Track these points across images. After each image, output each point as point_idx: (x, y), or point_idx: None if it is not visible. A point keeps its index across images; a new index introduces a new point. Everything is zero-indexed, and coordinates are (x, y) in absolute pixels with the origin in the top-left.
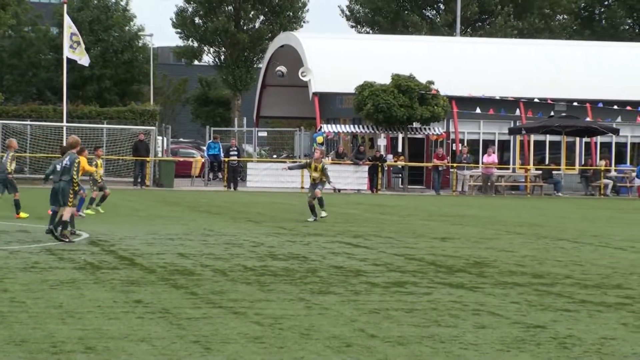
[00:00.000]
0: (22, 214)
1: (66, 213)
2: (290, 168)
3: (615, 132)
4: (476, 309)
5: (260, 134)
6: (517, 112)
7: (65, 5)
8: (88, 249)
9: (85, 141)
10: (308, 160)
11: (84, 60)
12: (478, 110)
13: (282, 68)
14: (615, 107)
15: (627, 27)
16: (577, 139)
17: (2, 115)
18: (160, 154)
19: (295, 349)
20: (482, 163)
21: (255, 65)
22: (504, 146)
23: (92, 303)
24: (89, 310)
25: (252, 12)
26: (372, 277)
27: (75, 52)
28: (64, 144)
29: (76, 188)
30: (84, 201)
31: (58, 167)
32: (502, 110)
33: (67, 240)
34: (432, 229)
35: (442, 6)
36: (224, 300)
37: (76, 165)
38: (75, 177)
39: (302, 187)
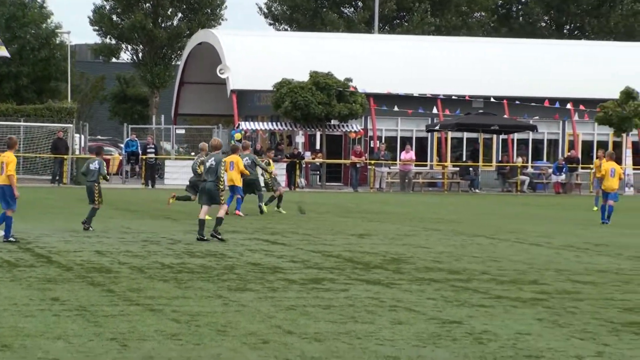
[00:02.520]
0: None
1: (221, 211)
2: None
3: (533, 128)
4: (393, 305)
5: (178, 131)
6: (435, 109)
7: None
8: (4, 247)
9: (1, 139)
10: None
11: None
12: (396, 109)
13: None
14: (533, 103)
15: (544, 24)
16: (494, 135)
17: None
18: (77, 152)
19: (212, 346)
20: (400, 160)
21: (173, 63)
22: (422, 144)
23: (8, 301)
24: (5, 308)
25: (170, 9)
26: (289, 274)
27: None
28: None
29: (221, 187)
30: (241, 201)
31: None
32: (420, 109)
33: (220, 237)
34: (350, 225)
35: (360, 3)
36: (141, 297)
37: (222, 165)
38: (221, 177)
39: None
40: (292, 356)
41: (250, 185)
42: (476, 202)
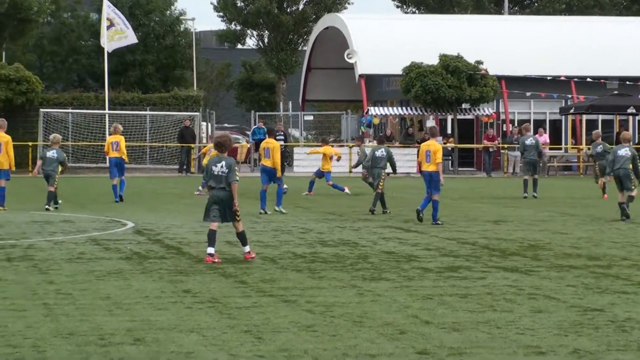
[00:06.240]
0: None
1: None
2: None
3: None
4: (532, 293)
5: (306, 117)
6: (569, 92)
7: None
8: (134, 239)
9: (128, 128)
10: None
11: (128, 40)
12: (528, 94)
13: None
14: None
15: None
16: (630, 117)
17: (44, 104)
18: (204, 140)
19: (348, 337)
20: None
21: (299, 48)
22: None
23: (140, 293)
24: (136, 301)
25: None
26: (424, 263)
27: (115, 36)
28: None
29: None
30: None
31: None
32: (554, 96)
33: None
34: (484, 211)
35: None
36: (274, 288)
37: None
38: None
39: (350, 172)
40: (430, 347)
41: None
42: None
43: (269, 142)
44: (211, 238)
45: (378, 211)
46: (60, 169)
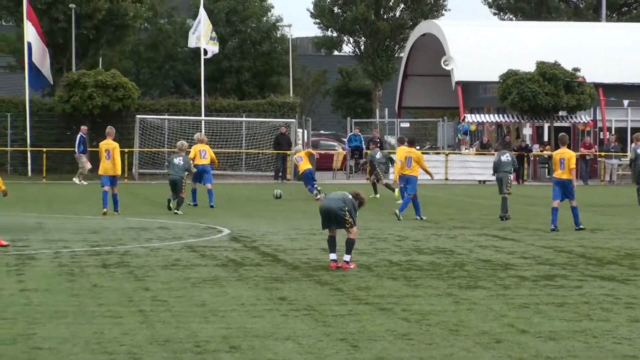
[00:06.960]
0: None
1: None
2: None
3: None
4: (629, 302)
5: (402, 124)
6: None
7: None
8: (230, 246)
9: (224, 135)
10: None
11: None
12: (625, 103)
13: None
14: None
15: None
16: None
17: (140, 110)
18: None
19: (444, 346)
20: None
21: (396, 55)
22: None
23: (235, 301)
24: (232, 309)
25: (392, 0)
26: (520, 271)
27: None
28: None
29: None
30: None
31: None
32: None
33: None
34: (581, 220)
35: None
36: (370, 296)
37: None
38: None
39: (447, 179)
40: (526, 356)
41: None
42: None
43: (411, 152)
44: (330, 244)
45: (516, 218)
46: (185, 174)
